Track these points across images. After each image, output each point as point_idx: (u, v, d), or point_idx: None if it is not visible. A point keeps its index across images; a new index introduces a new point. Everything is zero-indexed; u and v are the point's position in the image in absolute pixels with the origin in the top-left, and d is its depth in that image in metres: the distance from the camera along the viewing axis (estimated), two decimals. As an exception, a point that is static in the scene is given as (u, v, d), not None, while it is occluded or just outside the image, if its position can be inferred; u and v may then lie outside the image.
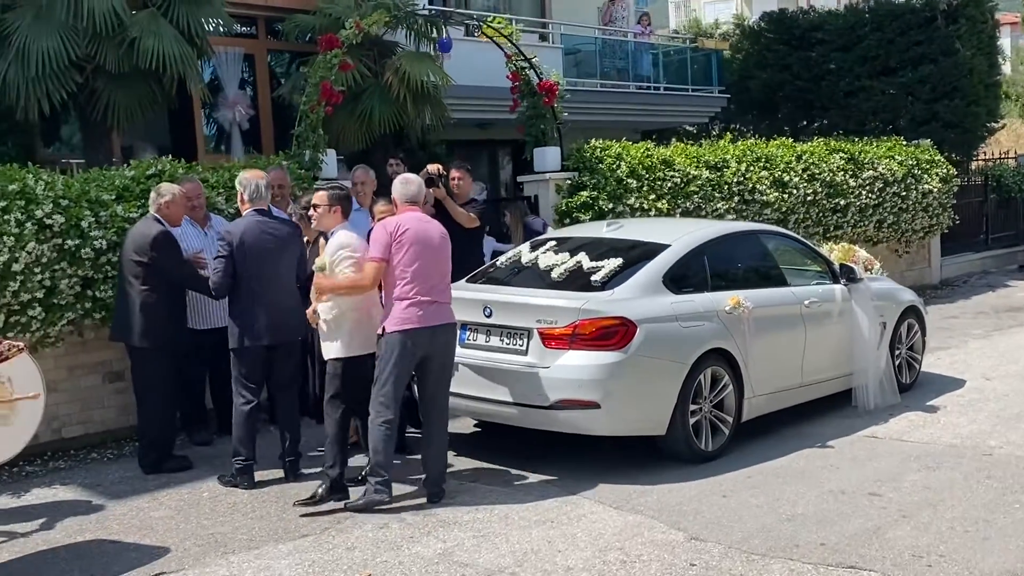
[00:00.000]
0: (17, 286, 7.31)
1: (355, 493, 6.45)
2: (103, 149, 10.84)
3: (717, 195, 12.47)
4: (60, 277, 7.58)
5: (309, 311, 6.78)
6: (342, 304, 6.55)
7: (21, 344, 5.84)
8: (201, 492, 6.84)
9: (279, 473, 7.08)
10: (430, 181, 9.12)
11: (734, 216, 12.56)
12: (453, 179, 9.31)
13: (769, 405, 7.81)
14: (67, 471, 7.47)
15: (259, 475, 7.06)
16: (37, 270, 7.43)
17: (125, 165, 8.90)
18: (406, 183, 6.67)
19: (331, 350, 6.62)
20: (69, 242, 7.57)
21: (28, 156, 10.34)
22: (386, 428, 6.34)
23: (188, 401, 8.04)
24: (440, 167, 9.09)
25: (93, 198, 7.81)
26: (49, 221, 7.47)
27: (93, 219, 7.69)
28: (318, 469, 6.83)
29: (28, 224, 7.35)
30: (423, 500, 6.48)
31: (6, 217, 7.25)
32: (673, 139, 20.94)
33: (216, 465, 7.32)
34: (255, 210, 7.10)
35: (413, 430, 7.58)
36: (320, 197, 6.68)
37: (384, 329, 6.36)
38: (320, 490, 6.49)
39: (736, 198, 12.70)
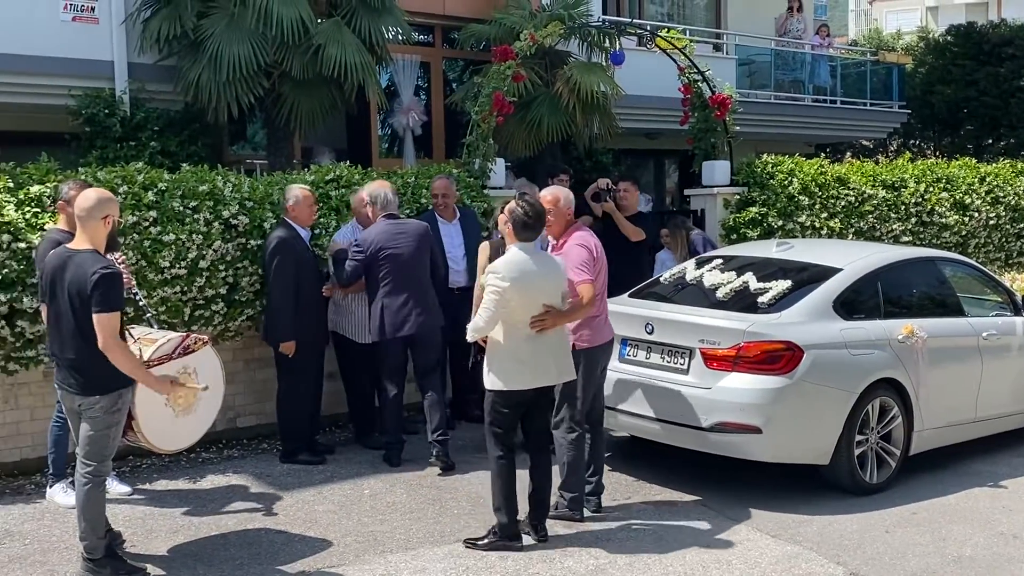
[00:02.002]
0: (203, 282, 7.71)
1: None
2: (285, 151, 11.34)
3: (893, 216, 12.08)
4: (242, 275, 7.95)
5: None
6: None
7: (206, 337, 6.14)
8: (363, 489, 7.05)
9: (436, 477, 7.28)
10: (598, 195, 9.34)
11: (910, 238, 12.14)
12: (619, 191, 9.41)
13: (939, 439, 7.52)
14: (240, 460, 7.83)
15: (417, 477, 7.28)
16: (222, 267, 7.81)
17: (305, 168, 9.26)
18: (572, 200, 6.59)
19: (514, 381, 5.88)
20: (252, 242, 7.93)
21: (216, 155, 10.93)
22: (578, 445, 6.33)
23: (356, 408, 8.32)
24: (609, 181, 9.18)
25: (275, 200, 8.14)
26: (235, 221, 7.84)
27: (274, 220, 8.01)
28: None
29: (215, 223, 7.74)
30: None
31: (196, 216, 7.64)
32: (848, 153, 20.43)
33: (377, 465, 7.56)
34: (384, 216, 7.62)
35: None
36: (507, 208, 6.12)
37: (575, 346, 6.24)
38: (489, 537, 5.99)
39: (913, 219, 12.28)
